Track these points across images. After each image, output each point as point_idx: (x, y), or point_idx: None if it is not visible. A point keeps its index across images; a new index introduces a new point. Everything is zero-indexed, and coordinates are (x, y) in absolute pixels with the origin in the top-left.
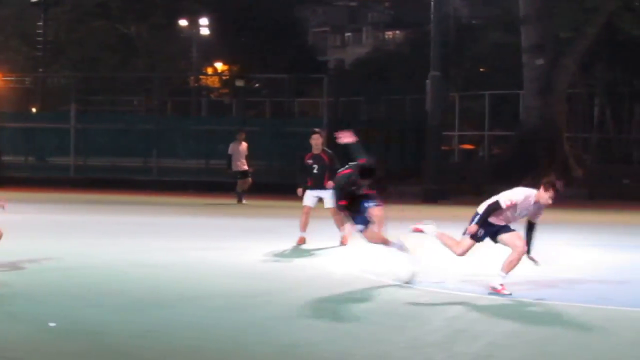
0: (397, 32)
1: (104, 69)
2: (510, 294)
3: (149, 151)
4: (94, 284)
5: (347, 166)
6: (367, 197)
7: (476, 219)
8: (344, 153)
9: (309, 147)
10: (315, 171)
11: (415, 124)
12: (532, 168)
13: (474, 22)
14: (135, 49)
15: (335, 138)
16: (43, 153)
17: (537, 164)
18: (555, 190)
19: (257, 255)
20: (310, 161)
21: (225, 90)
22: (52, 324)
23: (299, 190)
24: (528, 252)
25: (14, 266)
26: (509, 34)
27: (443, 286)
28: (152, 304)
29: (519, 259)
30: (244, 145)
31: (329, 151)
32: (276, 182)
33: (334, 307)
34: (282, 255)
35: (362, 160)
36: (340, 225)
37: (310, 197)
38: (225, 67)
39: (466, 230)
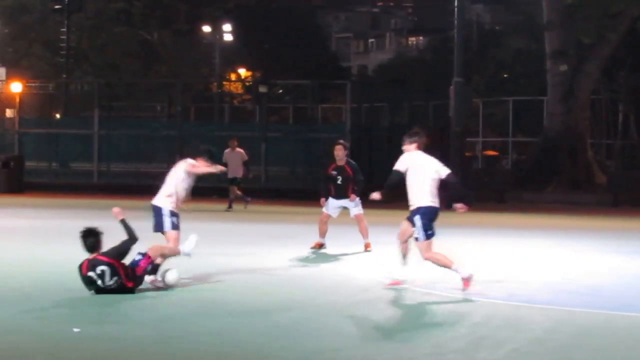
0: (420, 38)
1: (126, 75)
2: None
3: (171, 157)
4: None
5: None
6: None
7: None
8: (368, 164)
9: (331, 153)
10: (338, 182)
11: (438, 130)
12: (556, 174)
13: (496, 28)
14: (158, 55)
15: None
16: (66, 159)
17: (560, 170)
18: None
19: (281, 262)
20: (334, 172)
21: (248, 97)
22: (76, 330)
23: (322, 200)
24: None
25: (37, 271)
26: (532, 40)
27: (466, 292)
28: (176, 311)
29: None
30: (238, 151)
31: (353, 162)
32: (299, 187)
33: (358, 313)
34: (305, 260)
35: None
36: (364, 233)
37: (332, 206)
38: (248, 73)
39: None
